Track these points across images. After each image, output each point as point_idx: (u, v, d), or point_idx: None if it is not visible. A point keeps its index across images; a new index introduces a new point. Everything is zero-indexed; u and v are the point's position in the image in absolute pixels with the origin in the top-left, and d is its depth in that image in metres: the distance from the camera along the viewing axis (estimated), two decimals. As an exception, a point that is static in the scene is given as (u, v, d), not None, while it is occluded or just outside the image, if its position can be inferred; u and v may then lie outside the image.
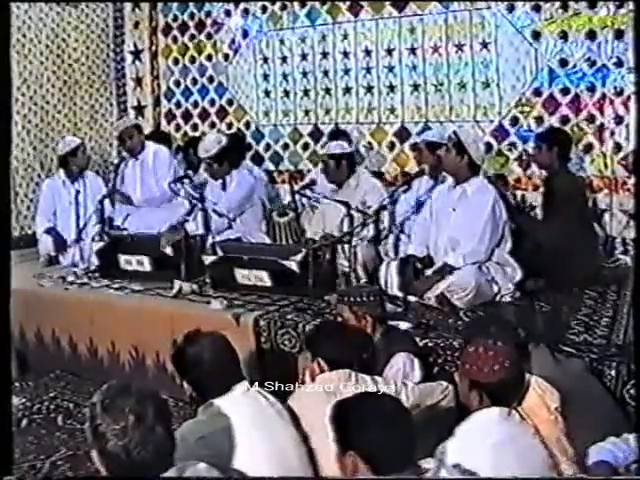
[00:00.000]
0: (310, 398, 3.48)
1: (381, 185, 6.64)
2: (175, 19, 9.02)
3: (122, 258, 6.44)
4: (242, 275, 5.83)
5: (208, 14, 8.76)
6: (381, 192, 6.43)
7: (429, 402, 3.57)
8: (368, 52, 7.84)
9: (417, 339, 4.65)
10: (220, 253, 5.93)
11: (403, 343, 4.35)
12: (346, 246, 5.75)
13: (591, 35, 6.69)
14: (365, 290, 4.52)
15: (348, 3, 7.88)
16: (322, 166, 6.74)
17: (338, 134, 7.46)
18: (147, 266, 6.36)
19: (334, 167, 6.49)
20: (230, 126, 8.73)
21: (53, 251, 7.25)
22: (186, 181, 6.78)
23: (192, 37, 8.93)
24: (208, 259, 5.98)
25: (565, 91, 6.89)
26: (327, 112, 8.16)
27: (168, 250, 6.27)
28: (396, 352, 4.18)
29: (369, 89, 7.90)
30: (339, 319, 4.49)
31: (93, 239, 6.66)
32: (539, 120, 7.01)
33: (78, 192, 7.19)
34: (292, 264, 5.62)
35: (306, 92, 8.25)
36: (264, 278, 5.75)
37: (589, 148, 6.77)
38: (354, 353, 3.68)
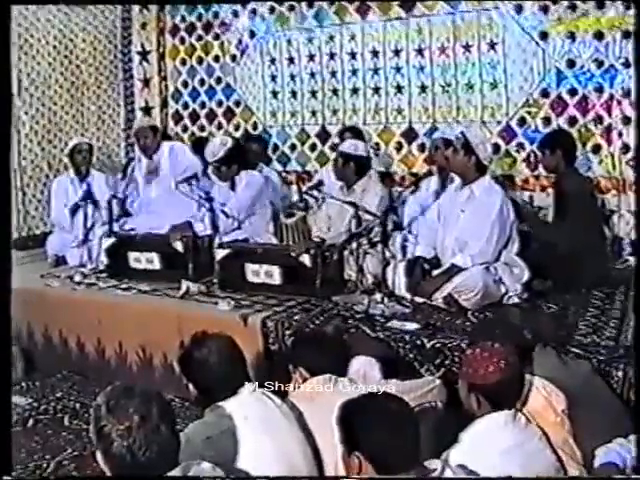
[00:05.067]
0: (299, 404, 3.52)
1: (386, 194, 6.55)
2: (183, 20, 9.03)
3: (131, 256, 6.44)
4: (252, 271, 5.83)
5: (215, 15, 8.77)
6: (385, 201, 6.38)
7: (411, 397, 3.57)
8: (375, 53, 7.84)
9: (424, 340, 4.67)
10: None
11: (361, 347, 4.41)
12: (353, 245, 5.75)
13: (599, 36, 6.68)
14: (309, 316, 4.60)
15: (356, 4, 7.88)
16: (333, 162, 6.70)
17: (352, 132, 7.42)
18: (157, 264, 6.36)
19: (341, 165, 6.47)
20: (237, 127, 8.75)
21: (61, 251, 7.25)
22: (193, 181, 6.78)
23: (199, 38, 8.94)
24: (219, 254, 5.98)
25: (573, 92, 6.88)
26: (334, 113, 8.16)
27: (178, 245, 6.27)
28: (353, 357, 4.23)
29: (376, 90, 7.89)
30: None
31: (101, 238, 6.66)
32: (546, 121, 7.00)
33: (86, 192, 7.21)
34: (305, 258, 5.63)
35: (313, 93, 8.25)
36: (274, 274, 5.75)
37: (597, 149, 6.76)
38: (331, 359, 3.80)
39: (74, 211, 7.29)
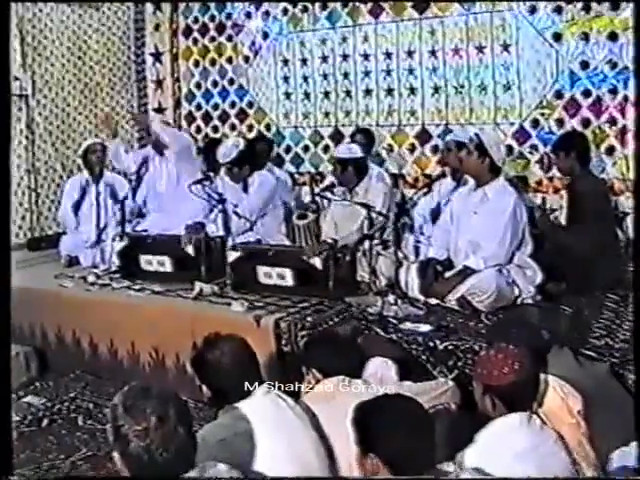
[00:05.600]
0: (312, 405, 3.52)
1: (389, 191, 6.53)
2: (196, 21, 9.07)
3: (143, 259, 6.45)
4: (264, 273, 5.83)
5: (229, 16, 8.80)
6: (388, 198, 6.37)
7: (425, 399, 3.57)
8: (388, 54, 7.85)
9: (437, 341, 4.66)
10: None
11: (378, 349, 4.43)
12: (366, 246, 5.75)
13: (613, 37, 6.66)
14: (329, 314, 4.64)
15: (369, 5, 7.88)
16: (332, 168, 6.70)
17: (363, 134, 7.42)
18: (168, 266, 6.37)
19: (340, 171, 6.42)
20: (250, 128, 8.76)
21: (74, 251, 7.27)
22: (206, 183, 6.78)
23: (213, 39, 8.97)
24: (231, 256, 5.99)
25: (586, 93, 6.87)
26: (347, 114, 8.18)
27: (189, 249, 6.27)
28: (369, 358, 4.23)
29: (389, 91, 7.90)
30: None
31: (114, 240, 6.68)
32: (560, 122, 6.99)
33: (99, 193, 7.23)
34: (316, 261, 5.63)
35: (326, 94, 8.27)
36: (287, 276, 5.75)
37: (611, 151, 6.74)
38: (344, 361, 3.79)
39: (77, 207, 7.34)
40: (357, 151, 6.50)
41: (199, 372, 3.39)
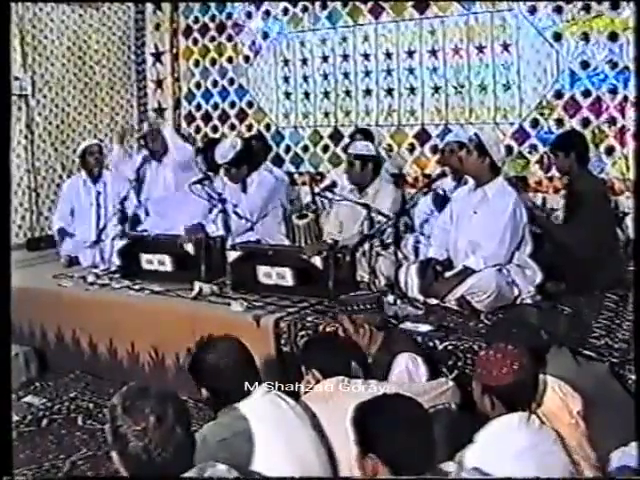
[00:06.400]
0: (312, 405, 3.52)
1: (399, 195, 6.51)
2: (196, 21, 9.06)
3: (143, 258, 6.45)
4: (264, 272, 5.83)
5: (229, 16, 8.79)
6: (397, 202, 6.35)
7: (425, 399, 3.57)
8: (389, 54, 7.84)
9: (437, 342, 4.66)
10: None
11: (405, 344, 4.42)
12: (366, 247, 5.75)
13: (613, 37, 6.66)
14: (362, 298, 4.56)
15: (369, 5, 7.88)
16: (346, 166, 6.60)
17: (362, 134, 7.40)
18: (168, 266, 6.36)
19: (359, 168, 6.36)
20: (250, 128, 8.75)
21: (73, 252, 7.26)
22: (206, 183, 6.78)
23: (213, 39, 8.96)
24: (231, 256, 5.98)
25: (586, 93, 6.86)
26: (347, 114, 8.17)
27: (189, 248, 6.27)
28: (397, 354, 4.23)
29: (389, 91, 7.89)
30: (340, 328, 4.56)
31: (114, 239, 6.68)
32: (560, 122, 6.98)
33: (99, 193, 7.23)
34: (316, 260, 5.63)
35: (326, 94, 8.26)
36: (286, 276, 5.75)
37: (610, 151, 6.74)
38: (344, 361, 3.80)
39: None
40: (372, 149, 6.50)
41: (197, 376, 3.38)
